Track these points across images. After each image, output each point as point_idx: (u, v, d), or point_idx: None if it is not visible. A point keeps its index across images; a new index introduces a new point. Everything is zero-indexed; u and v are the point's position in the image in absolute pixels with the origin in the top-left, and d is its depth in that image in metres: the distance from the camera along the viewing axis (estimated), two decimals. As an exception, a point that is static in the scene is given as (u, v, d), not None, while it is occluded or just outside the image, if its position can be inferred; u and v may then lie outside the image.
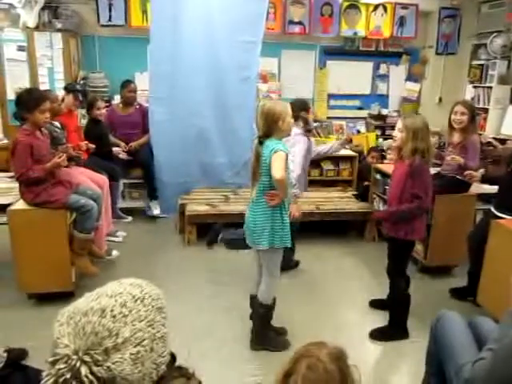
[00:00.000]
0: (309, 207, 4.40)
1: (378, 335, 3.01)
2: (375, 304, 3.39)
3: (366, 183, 4.97)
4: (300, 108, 3.61)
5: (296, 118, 3.21)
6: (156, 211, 5.05)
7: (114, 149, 4.73)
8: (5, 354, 2.38)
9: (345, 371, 1.09)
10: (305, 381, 1.05)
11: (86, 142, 4.21)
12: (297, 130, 3.49)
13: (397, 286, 3.00)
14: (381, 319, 3.14)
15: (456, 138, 3.64)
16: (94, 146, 4.26)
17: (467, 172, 3.59)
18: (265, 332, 2.84)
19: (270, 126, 2.51)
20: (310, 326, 3.07)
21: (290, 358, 1.12)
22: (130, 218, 5.00)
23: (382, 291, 3.27)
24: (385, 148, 5.87)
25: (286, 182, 2.50)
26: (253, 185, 2.64)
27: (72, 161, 3.75)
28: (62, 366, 0.82)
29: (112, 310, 0.88)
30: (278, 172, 2.41)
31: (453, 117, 3.61)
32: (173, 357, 1.03)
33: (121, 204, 5.07)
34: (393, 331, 3.02)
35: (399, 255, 2.96)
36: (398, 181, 2.86)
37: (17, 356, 2.51)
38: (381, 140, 6.38)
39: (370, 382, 2.58)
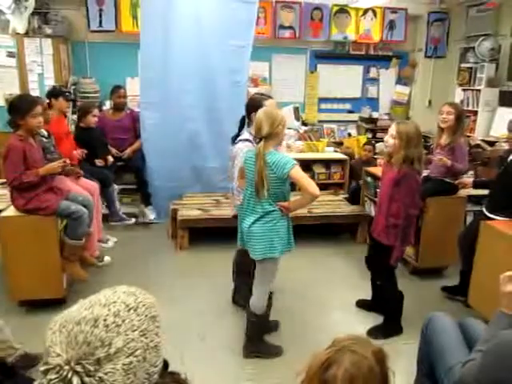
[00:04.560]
0: (301, 211, 4.40)
1: (375, 333, 3.03)
2: (361, 304, 3.44)
3: (355, 184, 5.06)
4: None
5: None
6: (152, 216, 5.03)
7: (97, 161, 4.67)
8: (19, 346, 2.48)
9: (386, 374, 1.07)
10: (347, 374, 1.02)
11: (82, 150, 4.21)
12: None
13: (390, 285, 3.05)
14: (372, 319, 3.18)
15: (443, 139, 3.68)
16: (85, 151, 4.26)
17: (458, 181, 3.66)
18: (258, 338, 2.82)
19: (273, 130, 2.47)
20: (302, 327, 3.08)
21: (330, 348, 1.08)
22: (133, 220, 4.97)
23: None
24: (377, 151, 5.90)
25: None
26: (258, 192, 2.50)
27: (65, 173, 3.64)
28: (53, 376, 0.82)
29: (105, 320, 0.87)
30: (316, 189, 2.42)
31: (439, 117, 3.66)
32: (165, 363, 1.02)
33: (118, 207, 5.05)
34: (389, 328, 3.07)
35: (388, 259, 2.99)
36: (387, 186, 2.90)
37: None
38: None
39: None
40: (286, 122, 2.58)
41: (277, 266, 2.70)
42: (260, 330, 2.81)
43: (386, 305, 3.12)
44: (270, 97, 3.10)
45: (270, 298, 2.87)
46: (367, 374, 1.03)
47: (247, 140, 2.94)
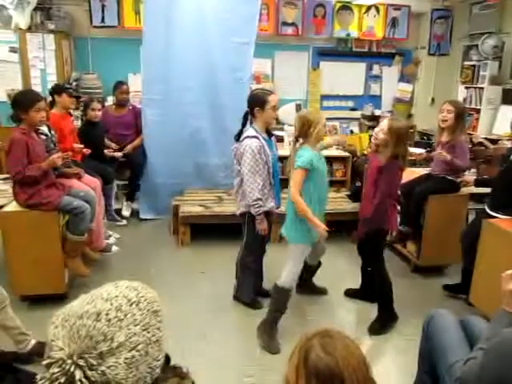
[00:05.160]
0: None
1: (374, 329, 3.05)
2: (351, 292, 3.51)
3: (358, 183, 5.01)
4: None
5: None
6: (126, 212, 5.05)
7: (106, 151, 4.70)
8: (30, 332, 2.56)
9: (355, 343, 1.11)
10: (325, 347, 1.05)
11: (82, 146, 4.21)
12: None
13: (379, 271, 3.08)
14: (373, 317, 3.17)
15: (444, 137, 3.68)
16: (89, 150, 4.26)
17: (461, 179, 3.66)
18: (271, 324, 2.89)
19: (303, 132, 2.73)
20: (303, 326, 3.08)
21: (297, 347, 1.11)
22: (124, 222, 4.96)
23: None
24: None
25: (297, 198, 2.68)
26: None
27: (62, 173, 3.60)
28: (56, 369, 0.82)
29: (107, 314, 0.87)
30: (293, 195, 2.69)
31: (439, 115, 3.65)
32: (167, 358, 1.03)
33: (114, 206, 5.05)
34: (384, 318, 3.09)
35: (373, 244, 3.06)
36: (373, 173, 2.97)
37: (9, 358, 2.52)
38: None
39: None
40: (320, 123, 2.73)
41: (298, 251, 2.86)
42: (278, 310, 2.88)
43: (377, 293, 3.14)
44: (271, 92, 3.11)
45: (318, 266, 3.39)
46: (341, 340, 1.08)
47: (254, 137, 2.96)
